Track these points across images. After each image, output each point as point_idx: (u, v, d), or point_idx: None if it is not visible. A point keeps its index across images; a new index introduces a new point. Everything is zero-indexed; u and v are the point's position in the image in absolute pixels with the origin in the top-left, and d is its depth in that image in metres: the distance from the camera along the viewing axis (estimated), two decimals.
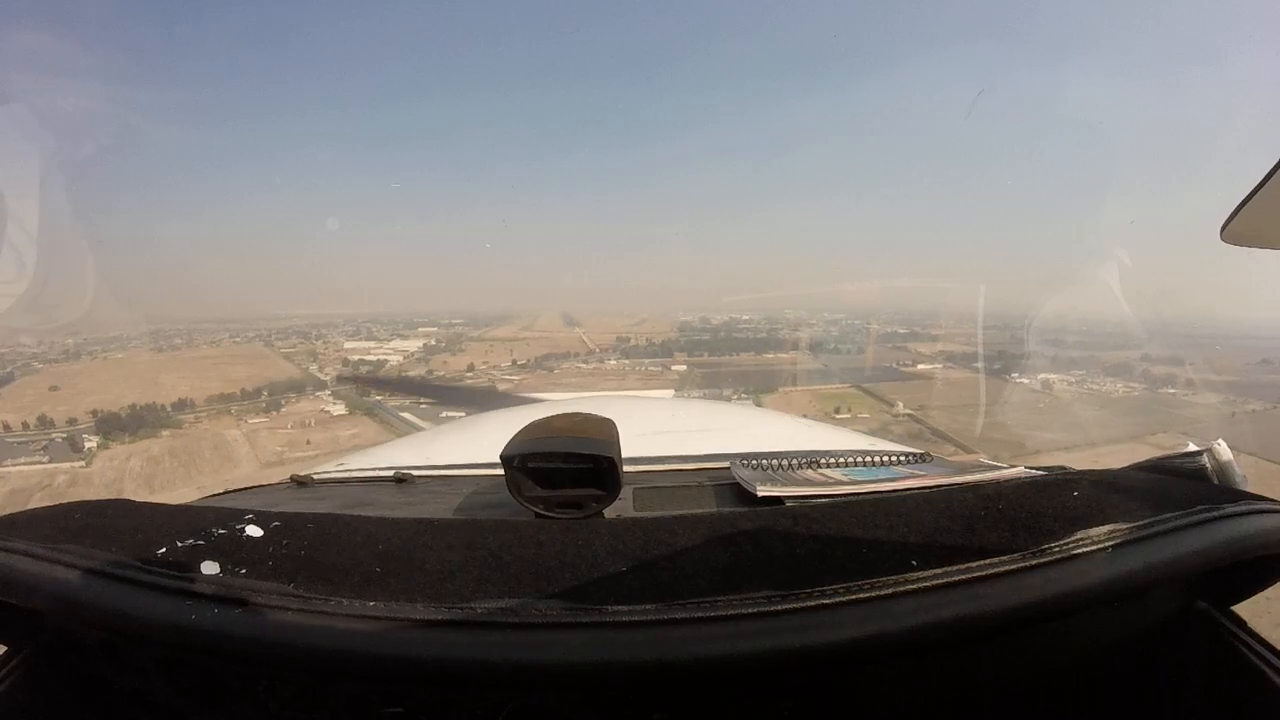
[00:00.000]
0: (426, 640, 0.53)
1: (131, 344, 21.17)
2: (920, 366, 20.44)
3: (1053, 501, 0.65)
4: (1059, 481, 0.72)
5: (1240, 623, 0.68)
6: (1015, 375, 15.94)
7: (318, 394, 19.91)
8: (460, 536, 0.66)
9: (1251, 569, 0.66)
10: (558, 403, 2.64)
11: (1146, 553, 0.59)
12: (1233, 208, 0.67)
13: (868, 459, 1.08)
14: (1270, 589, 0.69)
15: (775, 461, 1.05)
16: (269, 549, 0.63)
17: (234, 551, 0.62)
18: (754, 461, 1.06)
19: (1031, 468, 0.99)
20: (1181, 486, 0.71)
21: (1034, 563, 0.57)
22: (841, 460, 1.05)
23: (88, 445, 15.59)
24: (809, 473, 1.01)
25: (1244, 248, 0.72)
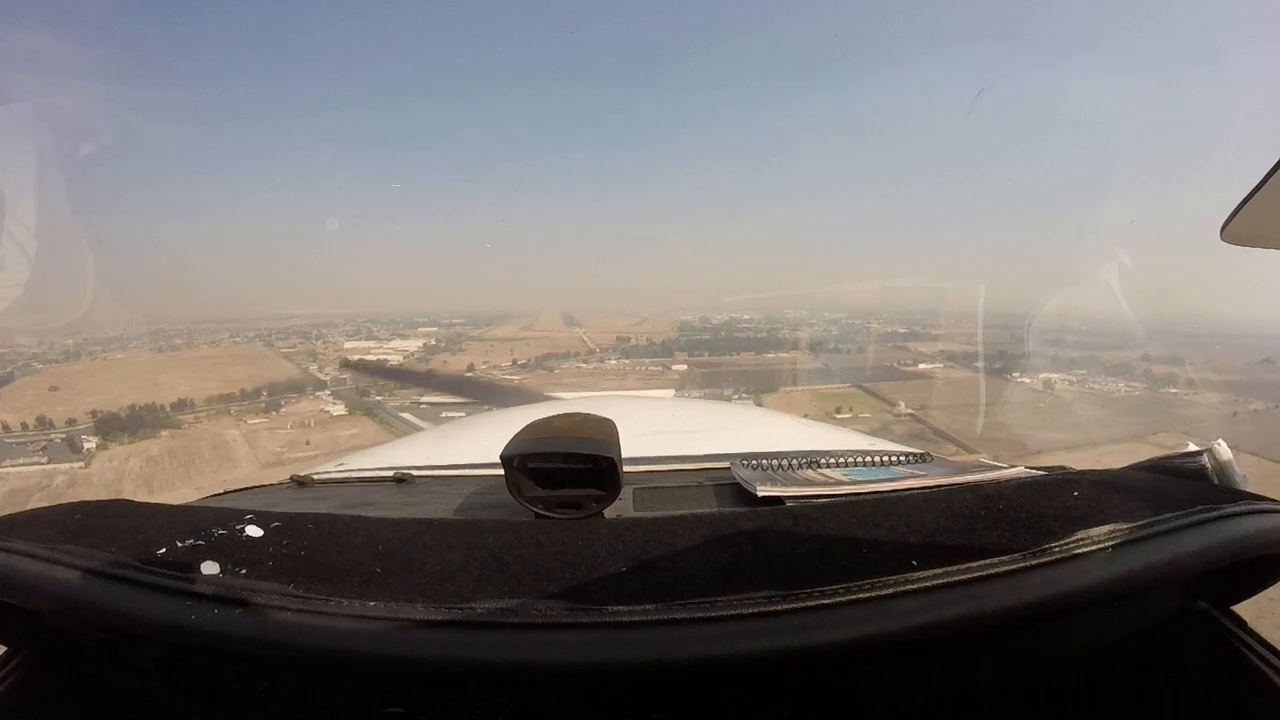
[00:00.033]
0: (426, 640, 0.53)
1: (131, 344, 21.17)
2: (921, 366, 20.43)
3: (1053, 501, 0.65)
4: (1059, 481, 0.72)
5: (1240, 623, 0.68)
6: (1016, 375, 15.93)
7: (317, 394, 19.88)
8: (460, 537, 0.66)
9: (1251, 569, 0.66)
10: (558, 403, 2.64)
11: (1146, 553, 0.59)
12: (1232, 208, 0.67)
13: (868, 459, 1.08)
14: (1271, 589, 0.69)
15: (775, 461, 1.05)
16: (269, 549, 0.63)
17: (234, 552, 0.62)
18: (754, 461, 1.06)
19: (1031, 468, 0.99)
20: (1181, 486, 0.71)
21: (1034, 563, 0.57)
22: (841, 460, 1.05)
23: (87, 446, 15.56)
24: (809, 473, 1.01)
25: (1244, 248, 0.72)
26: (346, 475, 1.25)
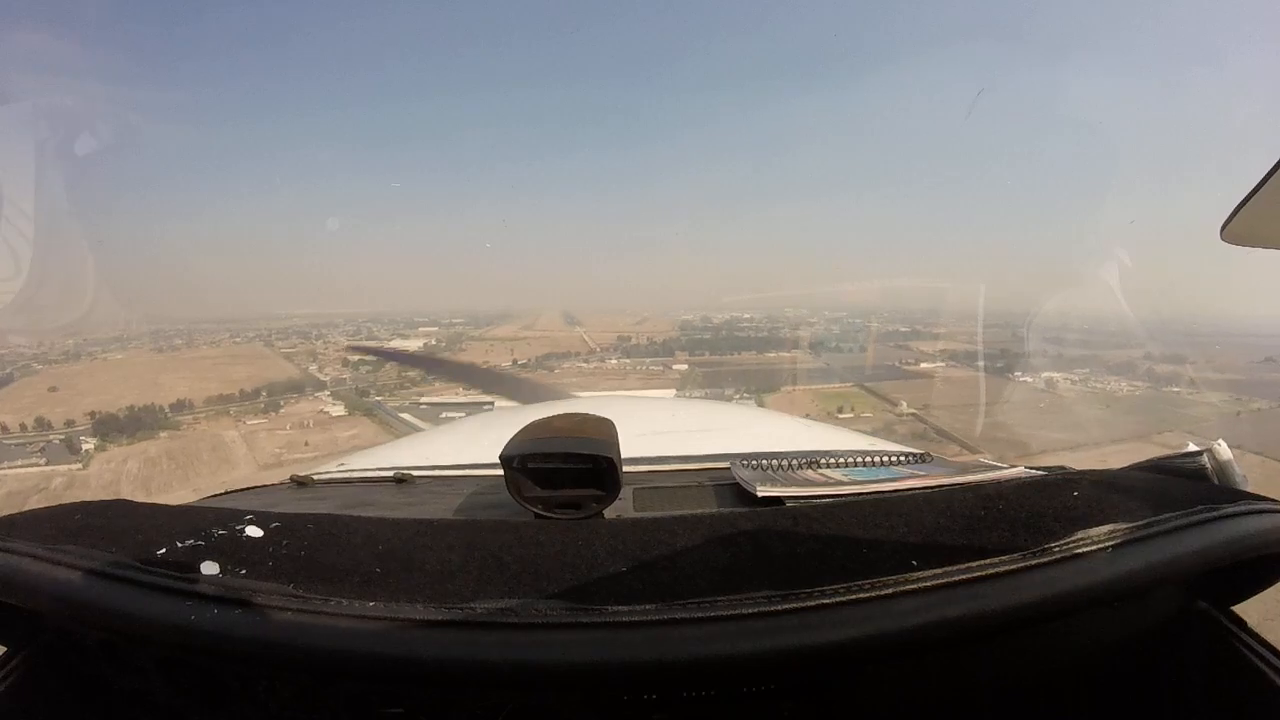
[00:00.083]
0: (426, 640, 0.53)
1: (131, 344, 21.17)
2: (923, 365, 20.41)
3: (1053, 501, 0.65)
4: (1059, 481, 0.72)
5: (1240, 623, 0.68)
6: (1019, 373, 15.91)
7: (317, 394, 19.87)
8: (460, 537, 0.66)
9: (1251, 569, 0.66)
10: (557, 403, 2.64)
11: (1146, 553, 0.59)
12: (1232, 208, 0.67)
13: (868, 459, 1.08)
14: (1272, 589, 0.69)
15: (775, 462, 1.05)
16: (269, 549, 0.63)
17: (234, 552, 0.62)
18: (754, 462, 1.06)
19: (1031, 468, 0.99)
20: (1181, 486, 0.71)
21: (1034, 563, 0.57)
22: (841, 460, 1.05)
23: (85, 447, 15.53)
24: (809, 473, 1.01)
25: (1244, 248, 0.72)
26: (346, 475, 1.25)
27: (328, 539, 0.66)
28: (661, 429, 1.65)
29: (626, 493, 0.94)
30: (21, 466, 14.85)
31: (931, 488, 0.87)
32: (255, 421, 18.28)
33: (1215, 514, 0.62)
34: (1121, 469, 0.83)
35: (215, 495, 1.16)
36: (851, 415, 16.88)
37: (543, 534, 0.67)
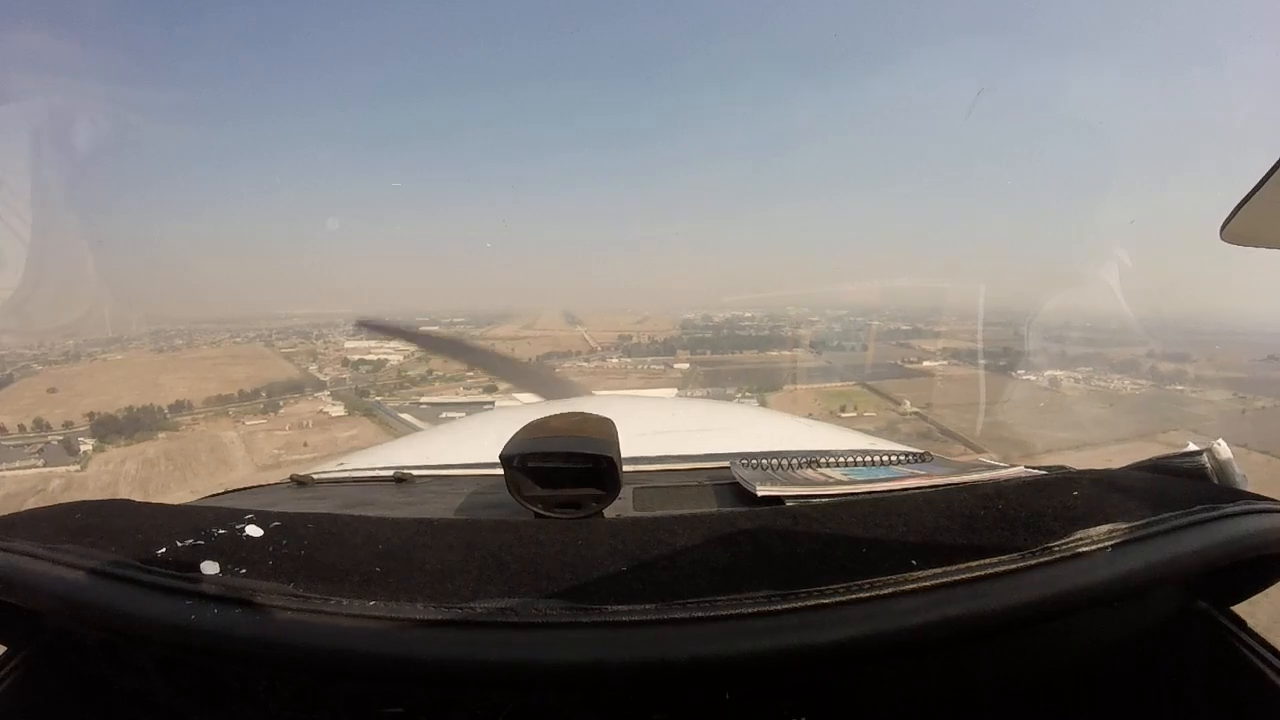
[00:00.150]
0: (426, 640, 0.53)
1: (131, 345, 21.17)
2: (925, 363, 20.38)
3: (1052, 501, 0.65)
4: (1059, 481, 0.72)
5: (1240, 623, 0.68)
6: (1021, 372, 15.89)
7: (316, 395, 19.86)
8: (460, 536, 0.66)
9: (1251, 569, 0.65)
10: (557, 402, 2.64)
11: (1146, 552, 0.59)
12: (1232, 208, 0.67)
13: (868, 459, 1.08)
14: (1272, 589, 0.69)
15: (775, 461, 1.05)
16: (269, 549, 0.63)
17: (234, 551, 0.62)
18: (754, 461, 1.06)
19: (1031, 467, 0.99)
20: (1181, 486, 0.71)
21: (1034, 562, 0.57)
22: (841, 460, 1.05)
23: (83, 448, 15.52)
24: (809, 472, 1.01)
25: (1244, 247, 0.72)
26: (346, 475, 1.25)
27: (328, 538, 0.66)
28: (661, 428, 1.65)
29: (626, 492, 0.94)
30: (19, 468, 14.84)
31: (931, 487, 0.87)
32: (254, 422, 18.27)
33: (1215, 514, 0.62)
34: (1121, 469, 0.83)
35: (215, 495, 1.16)
36: (855, 414, 16.86)
37: (543, 533, 0.67)
